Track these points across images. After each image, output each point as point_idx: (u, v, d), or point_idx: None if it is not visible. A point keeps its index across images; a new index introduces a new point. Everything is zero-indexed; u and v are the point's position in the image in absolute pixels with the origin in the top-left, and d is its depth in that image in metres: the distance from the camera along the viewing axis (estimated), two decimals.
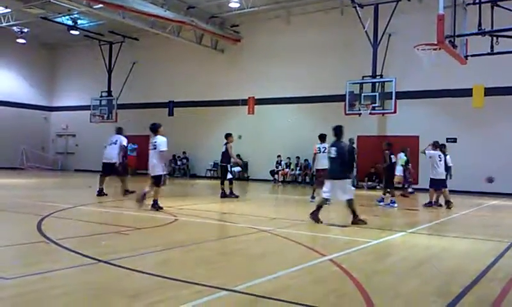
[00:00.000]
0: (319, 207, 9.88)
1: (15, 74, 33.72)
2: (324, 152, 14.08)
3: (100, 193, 14.34)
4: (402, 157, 15.45)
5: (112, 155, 14.56)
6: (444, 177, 14.18)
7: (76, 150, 34.17)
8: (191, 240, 7.80)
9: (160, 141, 11.23)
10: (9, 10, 26.28)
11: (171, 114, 29.32)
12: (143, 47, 30.54)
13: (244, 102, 26.65)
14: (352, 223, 9.69)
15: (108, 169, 14.62)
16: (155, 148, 11.25)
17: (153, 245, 7.12)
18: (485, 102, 20.05)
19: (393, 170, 14.41)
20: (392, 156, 14.40)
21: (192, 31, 25.68)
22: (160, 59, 29.87)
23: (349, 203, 9.78)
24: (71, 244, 6.79)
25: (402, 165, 15.33)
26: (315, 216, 9.80)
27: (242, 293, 4.57)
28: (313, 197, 14.62)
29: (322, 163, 14.25)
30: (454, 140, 20.62)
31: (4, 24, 27.36)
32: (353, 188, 10.02)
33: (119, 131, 15.25)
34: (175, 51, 28.75)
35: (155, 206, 11.07)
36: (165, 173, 11.45)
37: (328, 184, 9.90)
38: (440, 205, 14.09)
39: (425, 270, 6.14)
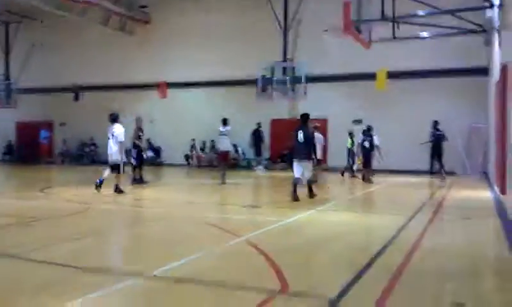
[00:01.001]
0: (295, 186, 10.53)
1: None
2: (225, 135, 15.21)
3: None
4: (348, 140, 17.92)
5: None
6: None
7: None
8: (105, 227, 7.56)
9: (119, 131, 11.83)
10: None
11: (76, 99, 27.95)
12: (46, 28, 28.59)
13: (155, 86, 26.06)
14: (310, 197, 10.67)
15: None
16: (113, 137, 11.81)
17: (65, 235, 6.80)
18: (389, 85, 21.24)
19: None
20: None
21: (99, 11, 24.51)
22: (65, 42, 28.23)
23: (310, 181, 10.77)
24: None
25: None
26: (294, 196, 10.44)
27: (160, 277, 4.53)
28: (223, 181, 14.99)
29: (224, 145, 15.33)
30: (360, 121, 21.70)
31: None
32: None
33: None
34: (80, 33, 27.31)
35: (118, 190, 11.67)
36: (124, 161, 12.10)
37: (296, 165, 10.63)
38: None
39: (334, 245, 6.46)
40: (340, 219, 8.75)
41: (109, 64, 27.20)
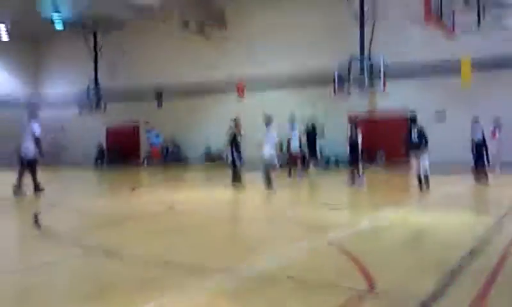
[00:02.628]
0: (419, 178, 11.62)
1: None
2: (294, 135, 16.05)
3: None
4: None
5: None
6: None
7: (66, 145, 33.50)
8: (193, 225, 7.78)
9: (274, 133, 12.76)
10: None
11: (159, 105, 29.16)
12: (129, 34, 30.11)
13: (232, 88, 26.51)
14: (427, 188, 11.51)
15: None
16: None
17: (155, 232, 7.16)
18: (474, 77, 20.07)
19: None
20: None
21: (178, 16, 25.38)
22: (147, 46, 29.63)
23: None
24: (69, 235, 6.82)
25: None
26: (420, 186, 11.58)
27: (246, 275, 4.65)
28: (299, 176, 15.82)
29: (294, 146, 16.12)
30: (443, 113, 20.81)
31: None
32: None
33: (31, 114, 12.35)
34: (160, 38, 28.57)
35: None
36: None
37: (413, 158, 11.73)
38: None
39: (422, 245, 6.26)
40: (427, 218, 8.42)
41: (188, 68, 28.12)
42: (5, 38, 29.08)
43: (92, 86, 30.59)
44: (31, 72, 35.23)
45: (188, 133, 28.36)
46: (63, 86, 33.85)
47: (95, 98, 30.13)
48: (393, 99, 21.71)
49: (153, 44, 29.29)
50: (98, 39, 31.03)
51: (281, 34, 25.18)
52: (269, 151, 12.28)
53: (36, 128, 11.97)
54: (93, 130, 31.66)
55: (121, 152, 30.29)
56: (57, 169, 24.79)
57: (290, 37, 24.95)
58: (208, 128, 26.94)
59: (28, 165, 12.02)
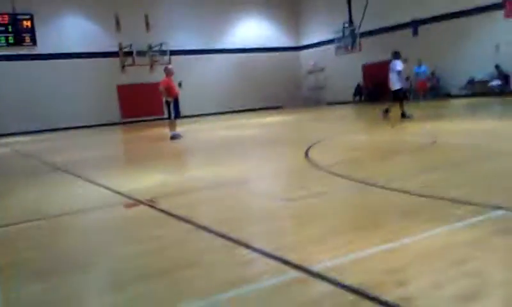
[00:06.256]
0: None
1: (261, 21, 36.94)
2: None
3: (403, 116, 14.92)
4: None
5: (392, 81, 15.01)
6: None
7: (325, 84, 35.49)
8: (454, 161, 7.18)
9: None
10: None
11: (415, 33, 27.50)
12: None
13: (498, 6, 23.05)
14: None
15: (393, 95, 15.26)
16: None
17: (417, 167, 6.91)
18: None
19: None
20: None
21: None
22: None
23: None
24: (336, 169, 6.96)
25: None
26: None
27: None
28: None
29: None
30: None
31: None
32: None
33: (394, 56, 15.15)
34: None
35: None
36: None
37: None
38: None
39: None
40: None
41: None
42: None
43: (347, 27, 30.77)
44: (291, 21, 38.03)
45: (447, 63, 25.97)
46: (319, 30, 35.34)
47: (351, 38, 30.24)
48: None
49: None
50: None
51: None
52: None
53: (398, 65, 14.82)
54: (350, 69, 32.25)
55: (377, 88, 29.77)
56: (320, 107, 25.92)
57: None
58: (471, 55, 24.39)
59: (394, 96, 15.01)
